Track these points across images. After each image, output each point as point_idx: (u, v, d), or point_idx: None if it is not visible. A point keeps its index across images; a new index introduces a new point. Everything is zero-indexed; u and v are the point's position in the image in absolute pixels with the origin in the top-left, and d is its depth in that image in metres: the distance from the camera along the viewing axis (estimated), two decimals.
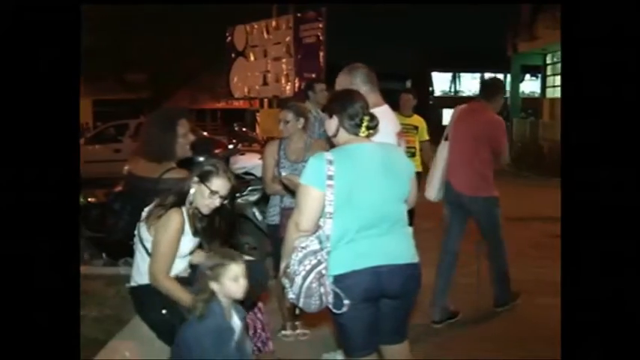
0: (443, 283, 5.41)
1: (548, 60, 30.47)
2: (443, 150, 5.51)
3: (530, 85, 35.84)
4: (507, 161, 5.66)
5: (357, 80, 3.69)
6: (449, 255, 5.50)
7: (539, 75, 31.87)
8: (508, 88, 34.63)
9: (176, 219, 3.40)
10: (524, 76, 32.89)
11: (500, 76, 42.63)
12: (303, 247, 2.97)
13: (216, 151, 6.68)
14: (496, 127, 5.42)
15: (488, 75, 44.67)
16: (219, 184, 3.46)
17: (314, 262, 2.94)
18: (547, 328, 5.19)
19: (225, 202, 3.54)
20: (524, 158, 18.69)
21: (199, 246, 3.72)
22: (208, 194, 3.44)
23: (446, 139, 5.54)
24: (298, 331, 4.88)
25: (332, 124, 3.19)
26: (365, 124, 3.14)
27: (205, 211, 3.52)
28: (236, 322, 3.19)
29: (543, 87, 31.50)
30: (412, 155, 7.15)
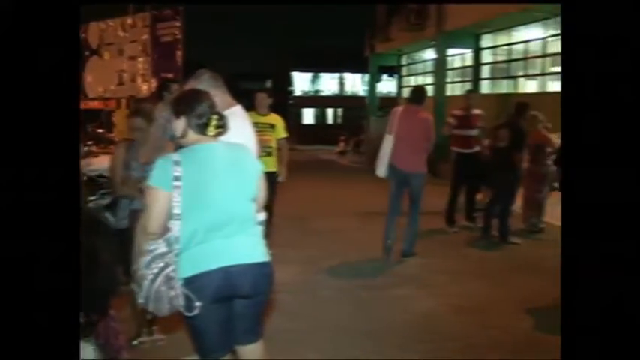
0: (390, 229, 7.50)
1: (404, 61, 31.60)
2: (388, 141, 7.44)
3: (387, 85, 36.98)
4: (431, 148, 7.62)
5: (203, 85, 3.68)
6: (394, 213, 7.56)
7: (396, 75, 32.94)
8: (366, 87, 35.61)
9: None
10: (381, 76, 33.88)
11: (359, 75, 43.92)
12: (150, 250, 2.93)
13: None
14: (430, 124, 7.48)
15: (347, 74, 45.84)
16: None
17: (161, 264, 2.91)
18: (401, 319, 5.42)
19: None
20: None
21: None
22: None
23: (389, 133, 7.45)
24: (154, 337, 4.77)
25: (179, 124, 3.15)
26: (213, 123, 3.13)
27: None
28: None
29: (399, 87, 32.63)
30: (268, 155, 7.18)
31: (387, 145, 7.46)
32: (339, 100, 45.68)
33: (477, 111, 9.35)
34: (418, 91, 7.87)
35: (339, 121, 44.95)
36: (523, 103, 8.80)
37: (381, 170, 7.53)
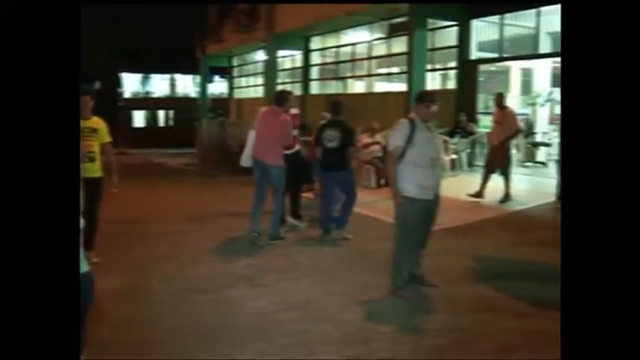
0: (257, 219, 8.55)
1: (235, 62, 31.69)
2: (251, 136, 8.72)
3: (219, 86, 36.85)
4: (290, 143, 8.92)
5: None
6: (259, 201, 8.58)
7: (227, 76, 32.96)
8: (198, 89, 35.29)
9: None
10: (212, 78, 33.71)
11: (190, 77, 43.42)
12: None
13: None
14: (289, 124, 8.62)
15: (178, 76, 45.08)
16: None
17: None
18: (235, 319, 5.42)
19: None
20: (213, 157, 19.03)
21: None
22: None
23: (253, 129, 8.68)
24: None
25: None
26: None
27: None
28: None
29: (231, 88, 32.64)
30: (91, 160, 6.89)
31: (250, 139, 8.73)
32: (170, 101, 44.73)
33: (294, 111, 9.56)
34: (281, 94, 9.01)
35: (171, 123, 44.11)
36: (338, 102, 9.11)
37: (245, 160, 8.84)
